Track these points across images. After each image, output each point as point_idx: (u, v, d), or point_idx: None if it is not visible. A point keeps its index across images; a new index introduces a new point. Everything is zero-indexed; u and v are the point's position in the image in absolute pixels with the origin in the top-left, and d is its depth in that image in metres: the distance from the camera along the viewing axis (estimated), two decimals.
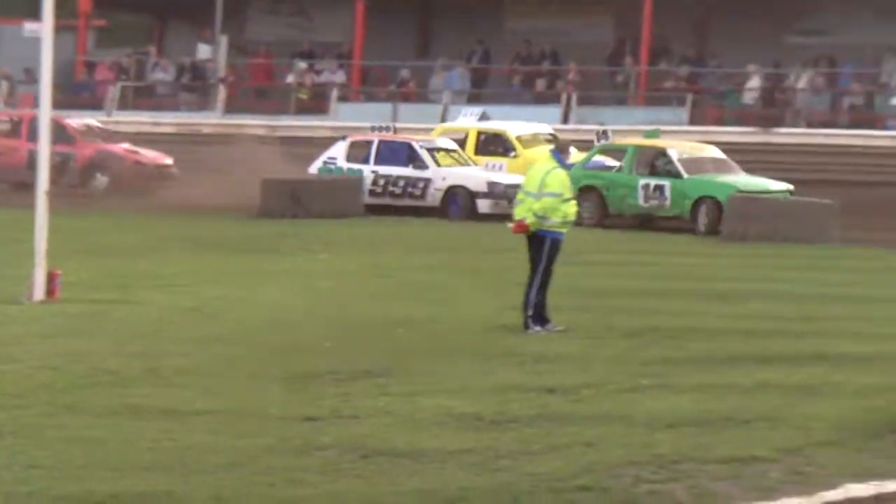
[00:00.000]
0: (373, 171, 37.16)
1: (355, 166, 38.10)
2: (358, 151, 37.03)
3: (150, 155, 41.91)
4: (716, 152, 36.17)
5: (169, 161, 42.27)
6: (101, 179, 38.06)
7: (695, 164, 33.95)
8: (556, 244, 23.66)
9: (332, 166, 38.48)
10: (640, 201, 33.84)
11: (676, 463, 15.47)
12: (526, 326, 23.61)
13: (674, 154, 34.27)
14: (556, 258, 23.87)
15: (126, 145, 43.42)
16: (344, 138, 40.31)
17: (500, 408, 17.89)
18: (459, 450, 15.45)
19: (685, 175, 33.53)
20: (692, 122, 54.91)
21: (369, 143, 38.56)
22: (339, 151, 38.00)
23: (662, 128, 51.70)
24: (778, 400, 18.21)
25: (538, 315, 23.59)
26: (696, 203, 32.83)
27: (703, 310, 25.95)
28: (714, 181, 33.70)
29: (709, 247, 35.46)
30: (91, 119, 45.66)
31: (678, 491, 14.55)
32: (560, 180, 23.52)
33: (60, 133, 39.17)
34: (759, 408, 17.78)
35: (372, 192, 37.61)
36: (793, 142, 50.23)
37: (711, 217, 33.55)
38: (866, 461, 15.76)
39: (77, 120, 43.48)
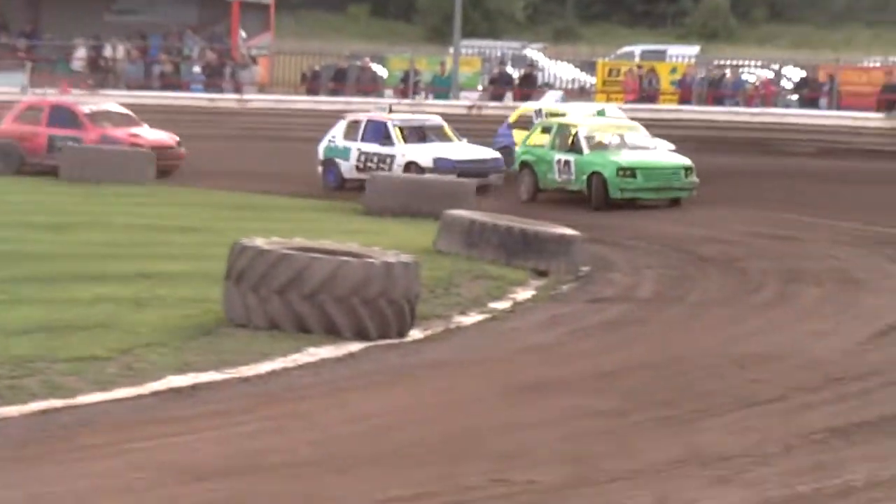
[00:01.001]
0: (358, 149, 34.06)
1: (348, 144, 34.61)
2: (352, 130, 34.05)
3: (149, 137, 37.11)
4: (635, 131, 32.56)
5: (171, 143, 37.61)
6: None
7: (602, 141, 31.07)
8: None
9: (333, 144, 35.15)
10: (556, 176, 31.38)
11: (30, 362, 15.56)
12: None
13: (582, 131, 31.28)
14: None
15: (137, 129, 37.97)
16: (344, 117, 36.49)
17: None
18: None
19: (586, 151, 30.73)
20: (32, 85, 52.68)
21: (360, 122, 35.30)
22: (338, 130, 35.09)
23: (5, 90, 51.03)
24: (112, 310, 18.40)
25: None
26: (590, 177, 30.30)
27: (45, 239, 25.07)
28: (603, 157, 30.65)
29: (52, 186, 34.52)
30: (112, 103, 40.52)
31: (33, 385, 14.77)
32: None
33: (72, 118, 36.56)
34: (97, 317, 17.98)
35: (357, 168, 34.19)
36: (123, 102, 49.57)
37: (598, 191, 30.47)
38: (185, 357, 16.31)
39: (92, 106, 38.73)
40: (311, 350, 16.89)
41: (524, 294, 21.56)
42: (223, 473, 11.40)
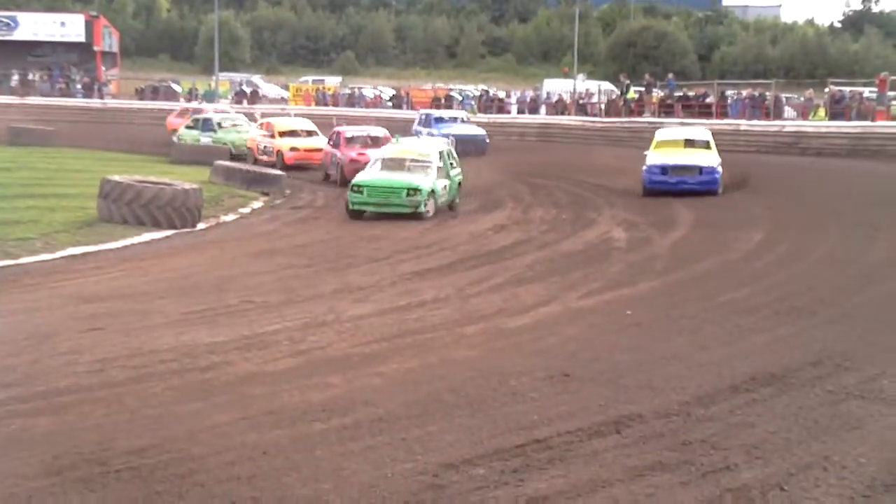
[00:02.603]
0: None
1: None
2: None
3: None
4: (419, 157, 19.02)
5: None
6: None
7: (393, 163, 18.93)
8: None
9: None
10: None
11: None
12: None
13: (378, 156, 19.93)
14: None
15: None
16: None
17: None
18: None
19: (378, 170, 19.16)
20: None
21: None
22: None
23: None
24: (37, 214, 17.34)
25: None
26: None
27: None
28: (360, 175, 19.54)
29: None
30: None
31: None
32: None
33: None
34: (29, 217, 17.02)
35: None
36: (41, 104, 45.97)
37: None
38: (78, 238, 15.62)
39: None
40: (146, 235, 16.35)
41: (257, 205, 20.95)
42: (100, 299, 11.11)
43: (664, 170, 20.41)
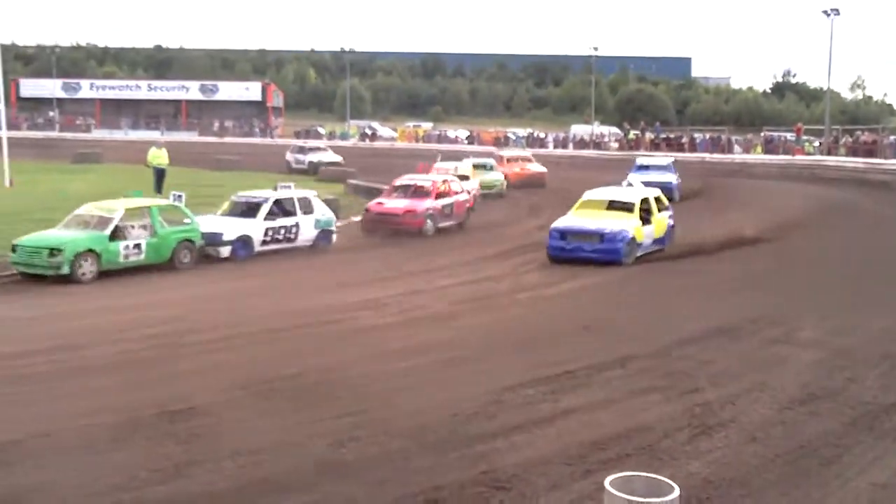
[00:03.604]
0: None
1: None
2: None
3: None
4: (105, 213, 11.04)
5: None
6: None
7: (77, 220, 11.11)
8: None
9: None
10: None
11: None
12: None
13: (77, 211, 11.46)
14: None
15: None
16: None
17: None
18: None
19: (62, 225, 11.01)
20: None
21: None
22: None
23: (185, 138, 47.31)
24: None
25: None
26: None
27: None
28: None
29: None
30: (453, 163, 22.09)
31: None
32: None
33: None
34: None
35: None
36: (240, 142, 45.16)
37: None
38: None
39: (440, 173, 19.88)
40: None
41: None
42: (266, 275, 10.98)
43: (563, 235, 11.94)
